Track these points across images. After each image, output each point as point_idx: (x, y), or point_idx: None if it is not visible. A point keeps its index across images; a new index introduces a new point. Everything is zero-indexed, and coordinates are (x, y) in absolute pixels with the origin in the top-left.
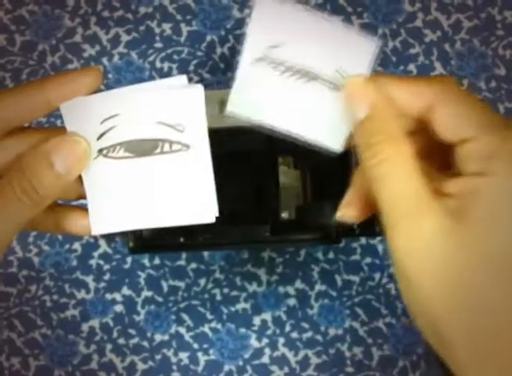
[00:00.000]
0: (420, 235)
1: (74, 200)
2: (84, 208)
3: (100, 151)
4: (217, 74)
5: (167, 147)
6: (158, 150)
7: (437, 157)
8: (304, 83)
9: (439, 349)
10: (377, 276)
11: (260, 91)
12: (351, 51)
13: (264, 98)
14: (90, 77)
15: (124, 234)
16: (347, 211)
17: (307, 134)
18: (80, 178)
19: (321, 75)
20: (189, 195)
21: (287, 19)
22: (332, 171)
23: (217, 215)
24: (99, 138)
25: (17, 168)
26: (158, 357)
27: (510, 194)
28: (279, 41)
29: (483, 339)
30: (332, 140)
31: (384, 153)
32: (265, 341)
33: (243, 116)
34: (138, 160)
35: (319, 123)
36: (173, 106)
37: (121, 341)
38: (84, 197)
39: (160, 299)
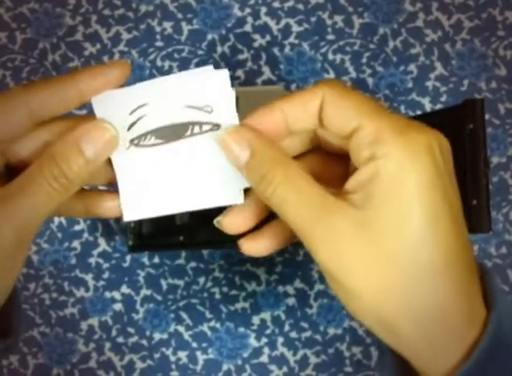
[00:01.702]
0: (335, 236)
1: (102, 185)
2: (111, 191)
3: (131, 141)
4: None
5: (197, 129)
6: (188, 132)
7: (337, 175)
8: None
9: (388, 337)
10: None
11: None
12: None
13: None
14: (119, 70)
15: (123, 232)
16: (233, 219)
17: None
18: (107, 163)
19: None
20: (219, 176)
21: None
22: None
23: (243, 197)
24: (129, 128)
25: (47, 155)
26: (157, 356)
27: (401, 170)
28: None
29: (416, 310)
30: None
31: (275, 179)
32: (264, 340)
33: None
34: (169, 146)
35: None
36: (200, 89)
37: (120, 339)
38: (111, 182)
39: (159, 298)
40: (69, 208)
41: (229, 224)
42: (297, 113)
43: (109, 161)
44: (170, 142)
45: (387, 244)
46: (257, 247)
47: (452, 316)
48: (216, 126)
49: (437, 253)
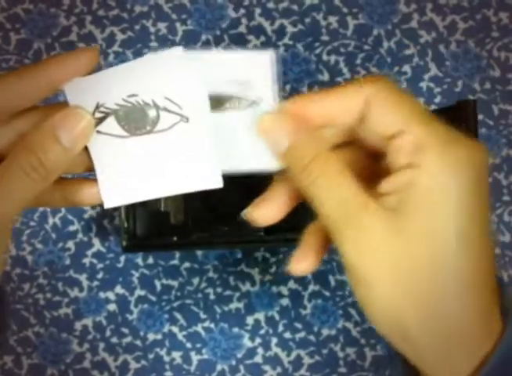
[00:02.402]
0: (365, 236)
1: (81, 173)
2: (90, 179)
3: (100, 126)
4: None
5: (165, 123)
6: (158, 126)
7: (369, 171)
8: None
9: (400, 345)
10: None
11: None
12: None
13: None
14: (88, 56)
15: (117, 233)
16: (264, 211)
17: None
18: (84, 151)
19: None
20: (193, 163)
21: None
22: None
23: (221, 181)
24: (100, 114)
25: (23, 145)
26: (151, 356)
27: (439, 182)
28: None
29: (434, 320)
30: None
31: (315, 171)
32: (258, 340)
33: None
34: (140, 135)
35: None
36: (172, 81)
37: (114, 339)
38: (90, 169)
39: (153, 298)
40: (47, 198)
41: (260, 215)
42: (338, 109)
43: (86, 149)
44: (141, 134)
45: (417, 251)
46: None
47: (470, 332)
48: (185, 118)
49: (466, 269)
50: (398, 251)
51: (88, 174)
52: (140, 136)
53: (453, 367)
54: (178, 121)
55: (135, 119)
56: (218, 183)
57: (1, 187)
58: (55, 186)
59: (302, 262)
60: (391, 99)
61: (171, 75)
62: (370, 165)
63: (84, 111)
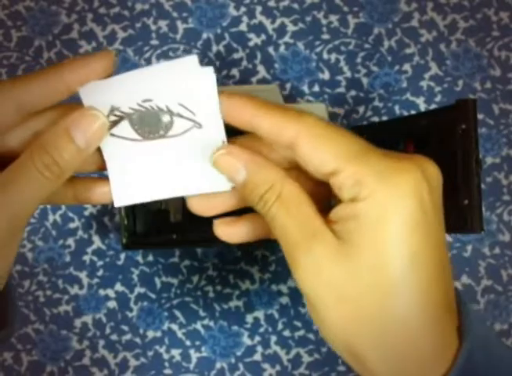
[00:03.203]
0: (313, 262)
1: (94, 172)
2: (102, 178)
3: (113, 128)
4: None
5: (178, 126)
6: (171, 131)
7: (322, 195)
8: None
9: (355, 366)
10: None
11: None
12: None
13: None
14: (104, 60)
15: (118, 230)
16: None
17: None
18: (98, 150)
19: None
20: (205, 167)
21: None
22: None
23: (230, 185)
24: (115, 117)
25: (38, 144)
26: (150, 354)
27: (380, 214)
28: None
29: (386, 345)
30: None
31: (270, 201)
32: (257, 338)
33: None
34: (156, 140)
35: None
36: (185, 84)
37: (114, 337)
38: (102, 168)
39: (152, 296)
40: (59, 196)
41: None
42: (276, 132)
43: (98, 148)
44: (154, 139)
45: (364, 279)
46: (230, 233)
47: (423, 353)
48: (197, 124)
49: (413, 293)
50: (343, 278)
51: (100, 173)
52: (153, 140)
53: None
54: (191, 127)
55: (149, 124)
56: (227, 187)
57: (15, 185)
58: (68, 184)
59: (231, 226)
60: (319, 137)
61: (186, 82)
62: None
63: (99, 112)
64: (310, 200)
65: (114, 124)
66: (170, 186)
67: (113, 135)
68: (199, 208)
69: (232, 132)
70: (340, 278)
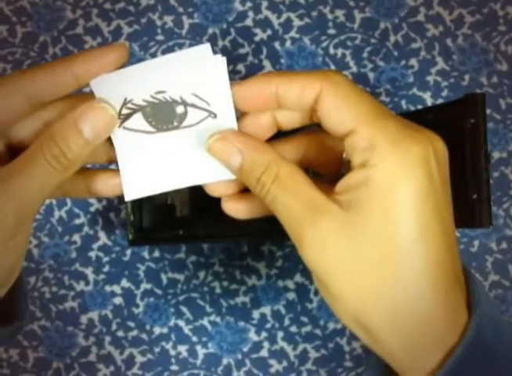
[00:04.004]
0: (320, 236)
1: (104, 163)
2: (113, 169)
3: (125, 120)
4: None
5: (192, 116)
6: (186, 122)
7: (332, 160)
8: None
9: (365, 338)
10: None
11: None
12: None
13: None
14: (116, 53)
15: (124, 226)
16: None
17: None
18: (107, 141)
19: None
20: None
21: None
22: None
23: None
24: (126, 109)
25: (47, 135)
26: (157, 350)
27: (391, 182)
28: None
29: (397, 317)
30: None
31: (267, 182)
32: (264, 334)
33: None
34: (167, 132)
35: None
36: (197, 74)
37: (120, 333)
38: (112, 160)
39: (159, 292)
40: (72, 188)
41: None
42: (292, 97)
43: (109, 139)
44: (167, 130)
45: (373, 249)
46: (238, 208)
47: (434, 324)
48: (213, 114)
49: (424, 263)
50: (354, 250)
51: (110, 164)
52: (166, 132)
53: (419, 360)
54: (206, 117)
55: (163, 115)
56: (232, 174)
57: (23, 174)
58: (79, 176)
59: (239, 202)
60: (341, 96)
61: (199, 72)
62: (336, 152)
63: (108, 105)
64: (308, 179)
65: (127, 117)
66: (181, 176)
67: (125, 128)
68: (216, 191)
69: None
70: (348, 250)
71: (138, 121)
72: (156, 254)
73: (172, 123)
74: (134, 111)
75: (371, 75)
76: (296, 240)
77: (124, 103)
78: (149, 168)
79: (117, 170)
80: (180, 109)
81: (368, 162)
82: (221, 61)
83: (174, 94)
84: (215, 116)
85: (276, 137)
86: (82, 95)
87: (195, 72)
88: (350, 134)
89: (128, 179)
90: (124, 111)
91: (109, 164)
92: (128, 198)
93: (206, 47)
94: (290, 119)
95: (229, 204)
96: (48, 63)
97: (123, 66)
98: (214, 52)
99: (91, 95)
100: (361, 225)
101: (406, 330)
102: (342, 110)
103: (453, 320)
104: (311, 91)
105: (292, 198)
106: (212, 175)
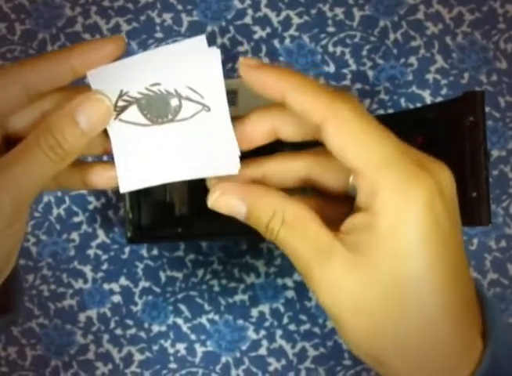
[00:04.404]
0: (328, 277)
1: (100, 154)
2: (108, 161)
3: (121, 112)
4: None
5: (186, 112)
6: (180, 115)
7: (338, 182)
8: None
9: (382, 372)
10: None
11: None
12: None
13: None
14: (114, 45)
15: (122, 224)
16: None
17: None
18: (103, 133)
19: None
20: (213, 150)
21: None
22: None
23: (237, 171)
24: (122, 101)
25: (43, 126)
26: (155, 348)
27: (394, 229)
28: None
29: (408, 352)
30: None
31: (275, 228)
32: (263, 333)
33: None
34: (163, 124)
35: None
36: (192, 67)
37: (118, 331)
38: (108, 151)
39: (157, 290)
40: (68, 180)
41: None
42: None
43: (105, 131)
44: (162, 123)
45: (380, 289)
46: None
47: (447, 358)
48: (206, 107)
49: (431, 300)
50: (359, 290)
51: (107, 156)
52: (161, 125)
53: None
54: (200, 110)
55: (158, 108)
56: (235, 169)
57: (20, 164)
58: (75, 168)
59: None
60: (344, 134)
61: (193, 64)
62: (339, 207)
63: (104, 96)
64: (315, 216)
65: (123, 109)
66: (176, 169)
67: (121, 120)
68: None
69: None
70: (356, 290)
71: (133, 113)
72: (155, 252)
73: (167, 116)
74: (129, 103)
75: (370, 73)
76: (306, 279)
77: (120, 95)
78: (145, 160)
79: (113, 162)
80: (174, 101)
81: (372, 208)
82: (215, 53)
83: (169, 86)
84: (209, 109)
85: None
86: (80, 87)
87: (190, 64)
88: (353, 171)
89: (124, 171)
90: (120, 103)
91: (105, 156)
92: (122, 190)
93: (201, 39)
94: (291, 134)
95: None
96: (46, 53)
97: (120, 58)
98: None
99: (88, 87)
100: (367, 267)
101: (419, 365)
102: (344, 149)
103: (467, 352)
104: (312, 124)
105: (299, 241)
106: (208, 169)
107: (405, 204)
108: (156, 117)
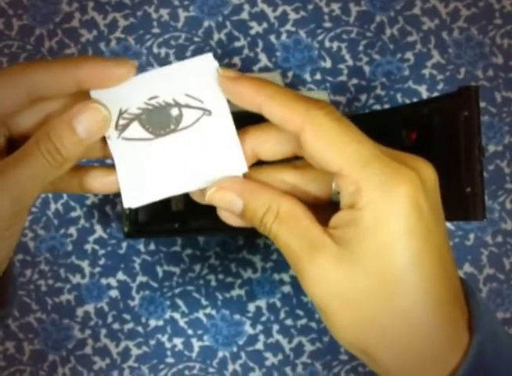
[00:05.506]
0: (316, 270)
1: (98, 158)
2: (107, 167)
3: (122, 129)
4: None
5: (188, 120)
6: (182, 124)
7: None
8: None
9: (370, 365)
10: None
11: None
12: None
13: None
14: (125, 69)
15: (119, 219)
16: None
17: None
18: (103, 138)
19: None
20: (219, 152)
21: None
22: None
23: (246, 168)
24: (119, 120)
25: (43, 131)
26: (152, 342)
27: (378, 225)
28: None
29: (395, 344)
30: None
31: (268, 223)
32: (260, 327)
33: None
34: (164, 137)
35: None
36: (190, 79)
37: (116, 326)
38: (107, 155)
39: (155, 285)
40: (64, 184)
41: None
42: (285, 118)
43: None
44: (166, 134)
45: (367, 282)
46: (233, 217)
47: (433, 348)
48: (207, 111)
49: (416, 292)
50: (346, 283)
51: (105, 160)
52: (164, 136)
53: None
54: (202, 115)
55: (159, 120)
56: (243, 168)
57: (19, 167)
58: (73, 172)
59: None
60: (323, 139)
61: (188, 72)
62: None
63: (101, 106)
64: (308, 212)
65: (124, 127)
66: (182, 180)
67: (124, 138)
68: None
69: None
70: (343, 284)
71: (135, 129)
72: (152, 247)
73: (169, 126)
74: (130, 120)
75: (367, 68)
76: (297, 274)
77: (120, 114)
78: (149, 175)
79: (110, 167)
80: (175, 111)
81: (356, 205)
82: (208, 56)
83: (167, 97)
84: (210, 113)
85: None
86: (84, 93)
87: (185, 72)
88: (335, 175)
89: (128, 189)
90: (121, 122)
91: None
92: (126, 206)
93: (208, 56)
94: (271, 154)
95: (224, 212)
96: (53, 60)
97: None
98: (208, 49)
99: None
100: (353, 261)
101: (407, 357)
102: (324, 151)
103: (453, 342)
104: (290, 132)
105: (291, 236)
106: (215, 173)
107: (389, 198)
108: (159, 130)
